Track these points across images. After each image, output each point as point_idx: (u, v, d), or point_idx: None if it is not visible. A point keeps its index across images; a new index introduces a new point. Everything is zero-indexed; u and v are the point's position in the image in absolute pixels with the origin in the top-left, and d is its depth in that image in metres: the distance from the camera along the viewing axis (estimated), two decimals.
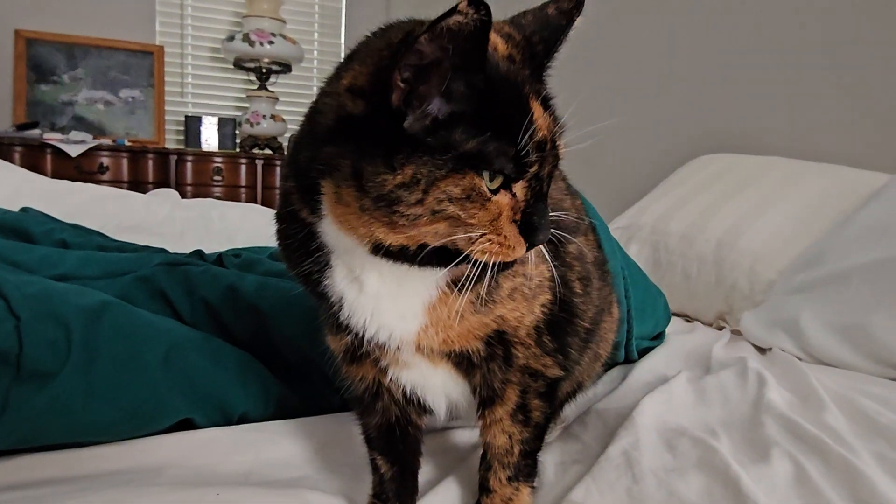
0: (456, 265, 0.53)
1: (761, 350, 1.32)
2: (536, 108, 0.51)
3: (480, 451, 0.70)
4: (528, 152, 0.50)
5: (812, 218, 1.57)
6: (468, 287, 0.56)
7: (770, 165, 1.82)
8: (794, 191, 1.66)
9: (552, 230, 0.67)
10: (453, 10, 0.44)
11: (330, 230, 0.57)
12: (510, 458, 0.67)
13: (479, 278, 0.55)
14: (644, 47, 2.52)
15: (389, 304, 0.59)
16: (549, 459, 0.80)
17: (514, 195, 0.52)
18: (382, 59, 0.50)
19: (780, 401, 0.93)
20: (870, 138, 1.81)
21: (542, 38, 0.56)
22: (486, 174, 0.50)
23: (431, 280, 0.58)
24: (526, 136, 0.50)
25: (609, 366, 1.17)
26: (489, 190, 0.50)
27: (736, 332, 1.47)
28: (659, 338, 1.32)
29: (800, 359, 1.22)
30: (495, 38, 0.52)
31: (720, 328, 1.57)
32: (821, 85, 1.95)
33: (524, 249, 0.53)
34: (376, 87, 0.49)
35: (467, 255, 0.52)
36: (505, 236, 0.52)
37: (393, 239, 0.52)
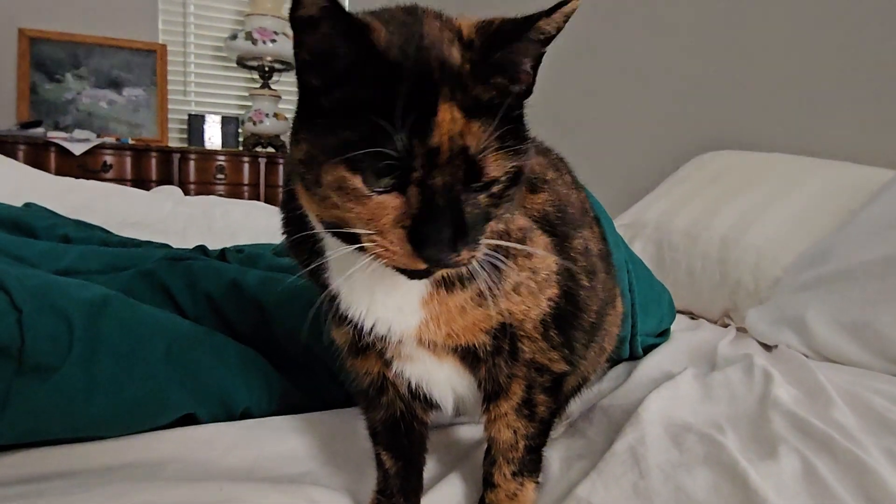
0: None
1: (767, 347, 1.31)
2: (445, 111, 0.46)
3: (484, 447, 0.70)
4: (414, 157, 0.46)
5: (817, 215, 1.56)
6: (462, 283, 0.56)
7: (774, 162, 1.82)
8: (798, 188, 1.65)
9: (558, 225, 0.67)
10: None
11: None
12: (515, 454, 0.66)
13: (472, 276, 0.54)
14: (648, 44, 2.51)
15: (384, 296, 0.59)
16: (554, 455, 0.80)
17: (408, 199, 0.47)
18: None
19: (787, 397, 0.92)
20: (875, 135, 1.80)
21: (504, 33, 0.50)
22: (367, 170, 0.46)
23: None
24: (412, 138, 0.45)
25: (614, 362, 1.17)
26: (368, 187, 0.47)
27: (741, 330, 1.46)
28: (664, 335, 1.31)
29: (806, 356, 1.21)
30: (463, 22, 0.51)
31: (725, 325, 1.56)
32: (825, 81, 1.94)
33: (417, 262, 0.48)
34: (296, 60, 0.51)
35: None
36: (390, 240, 0.48)
37: (325, 217, 0.51)
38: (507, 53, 0.50)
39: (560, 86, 2.86)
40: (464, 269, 0.55)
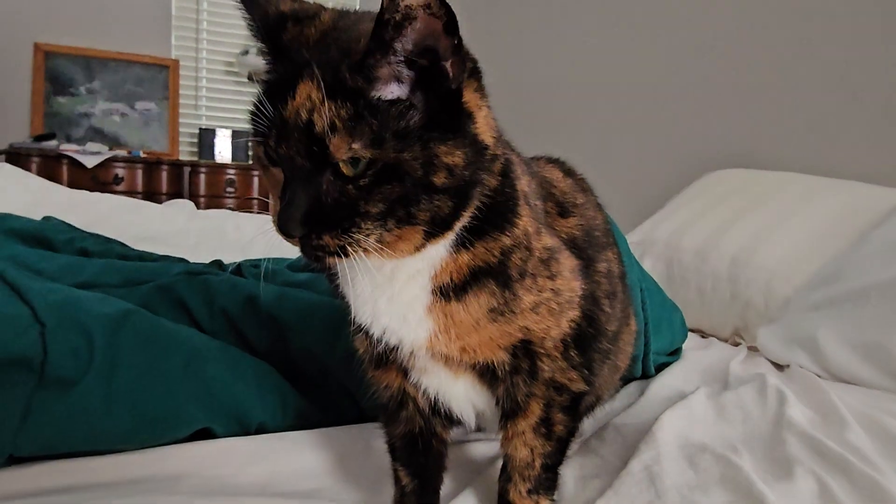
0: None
1: (779, 367, 1.31)
2: (302, 89, 0.49)
3: (499, 463, 0.70)
4: (272, 126, 0.50)
5: (828, 235, 1.56)
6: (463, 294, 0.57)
7: (785, 181, 1.82)
8: (809, 207, 1.66)
9: (585, 249, 0.68)
10: None
11: None
12: (531, 471, 0.66)
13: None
14: (659, 62, 2.53)
15: (387, 304, 0.59)
16: (569, 473, 0.79)
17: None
18: None
19: (802, 418, 0.92)
20: (887, 154, 1.80)
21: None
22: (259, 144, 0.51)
23: (419, 285, 0.58)
24: (271, 111, 0.49)
25: (626, 381, 1.16)
26: (268, 158, 0.52)
27: (752, 349, 1.46)
28: (676, 353, 1.31)
29: (818, 376, 1.21)
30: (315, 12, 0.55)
31: (736, 344, 1.56)
32: (836, 101, 1.95)
33: (280, 233, 0.52)
34: None
35: None
36: (272, 212, 0.53)
37: None
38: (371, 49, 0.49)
39: (571, 103, 2.89)
40: (446, 279, 0.57)
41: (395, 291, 0.58)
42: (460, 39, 0.50)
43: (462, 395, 0.67)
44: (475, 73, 0.55)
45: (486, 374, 0.64)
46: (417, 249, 0.54)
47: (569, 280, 0.63)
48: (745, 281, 1.56)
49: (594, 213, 0.75)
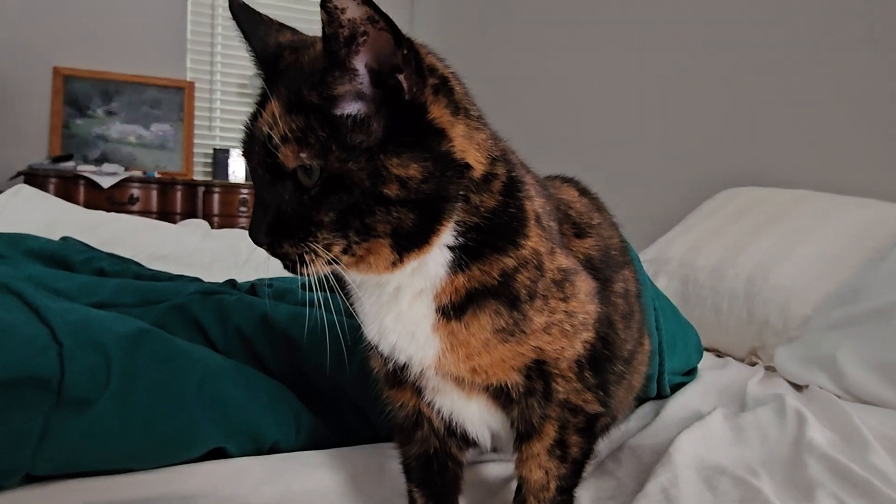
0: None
1: (797, 387, 1.29)
2: (269, 107, 0.53)
3: (513, 485, 0.69)
4: (246, 138, 0.56)
5: (845, 253, 1.54)
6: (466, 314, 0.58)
7: (800, 199, 1.81)
8: (826, 225, 1.64)
9: (602, 269, 0.68)
10: None
11: None
12: (546, 494, 0.65)
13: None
14: (672, 79, 2.54)
15: (393, 323, 0.59)
16: (584, 495, 0.78)
17: None
18: None
19: (823, 440, 0.90)
20: None
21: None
22: None
23: (425, 301, 0.58)
24: (251, 123, 0.55)
25: (641, 400, 1.15)
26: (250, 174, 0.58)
27: (770, 368, 1.44)
28: (691, 373, 1.29)
29: (838, 396, 1.19)
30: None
31: (753, 364, 1.53)
32: (851, 118, 1.94)
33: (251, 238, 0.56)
34: None
35: None
36: None
37: None
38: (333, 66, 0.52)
39: (584, 122, 2.90)
40: (446, 299, 0.57)
41: (401, 309, 0.59)
42: (411, 51, 0.51)
43: (476, 416, 0.67)
44: (443, 90, 0.55)
45: (501, 396, 0.63)
46: (394, 264, 0.54)
47: (584, 303, 0.63)
48: (761, 300, 1.54)
49: (610, 232, 0.75)
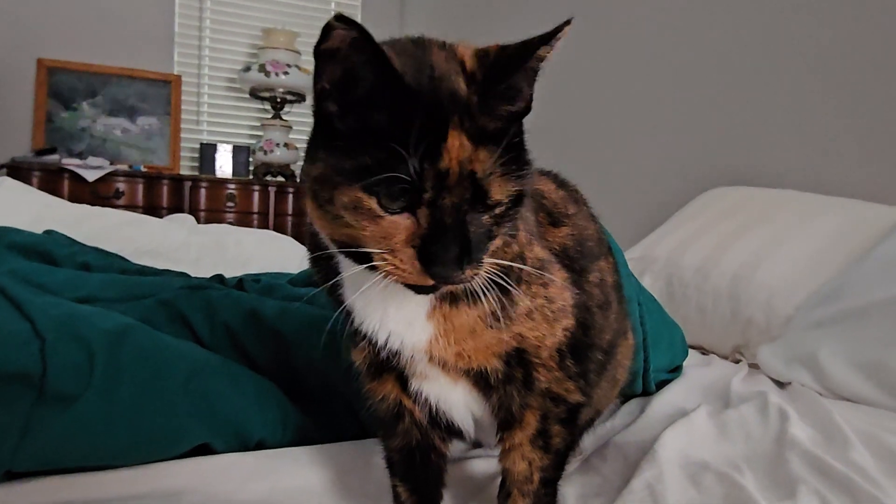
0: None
1: (780, 384, 1.30)
2: (454, 137, 0.49)
3: (497, 481, 0.69)
4: (424, 179, 0.49)
5: (828, 253, 1.56)
6: (466, 299, 0.58)
7: (785, 199, 1.83)
8: (809, 225, 1.66)
9: (577, 259, 0.68)
10: (329, 24, 0.47)
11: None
12: (529, 486, 0.66)
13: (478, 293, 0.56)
14: (658, 80, 2.55)
15: (395, 310, 0.60)
16: (570, 492, 0.79)
17: (417, 220, 0.50)
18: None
19: (804, 437, 0.91)
20: (886, 173, 1.81)
21: (504, 64, 0.53)
22: (382, 192, 0.49)
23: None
24: (423, 162, 0.48)
25: (627, 397, 1.16)
26: (383, 208, 0.50)
27: (753, 366, 1.46)
28: (677, 371, 1.30)
29: (820, 394, 1.21)
30: (466, 52, 0.54)
31: (737, 361, 1.55)
32: (836, 119, 1.96)
33: (425, 279, 0.51)
34: (315, 87, 0.53)
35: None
36: (400, 259, 0.51)
37: (337, 236, 0.54)
38: (510, 83, 0.53)
39: (570, 120, 2.90)
40: (466, 286, 0.57)
41: (405, 296, 0.59)
42: None
43: (461, 402, 0.68)
44: None
45: (481, 381, 0.64)
46: None
47: (561, 290, 0.64)
48: (745, 298, 1.56)
49: (586, 223, 0.76)
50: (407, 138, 0.48)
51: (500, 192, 0.51)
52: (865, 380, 1.19)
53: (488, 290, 0.56)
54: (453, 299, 0.59)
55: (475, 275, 0.53)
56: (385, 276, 0.52)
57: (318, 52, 0.50)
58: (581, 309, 0.66)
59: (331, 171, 0.51)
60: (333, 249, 0.58)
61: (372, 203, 0.49)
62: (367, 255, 0.52)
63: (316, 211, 0.54)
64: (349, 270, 0.58)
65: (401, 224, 0.50)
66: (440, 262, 0.50)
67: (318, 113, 0.54)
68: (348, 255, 0.55)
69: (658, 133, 2.53)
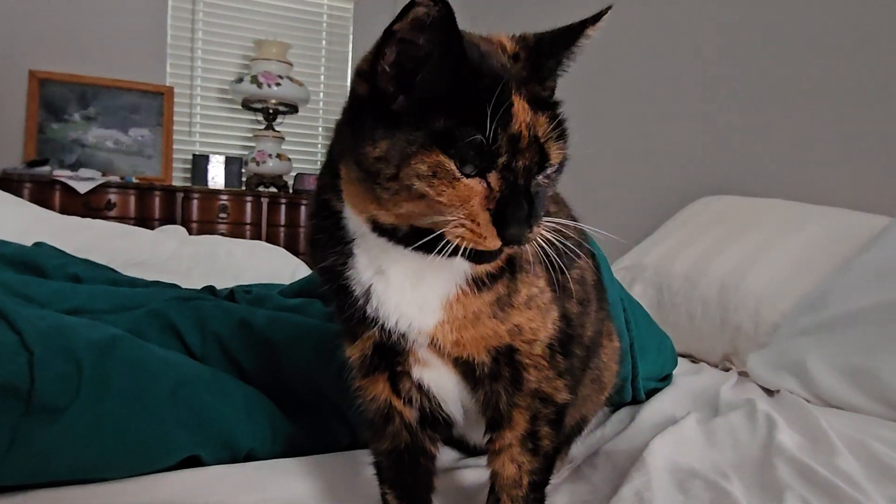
0: (437, 249, 0.54)
1: (769, 392, 1.31)
2: (518, 104, 0.53)
3: (486, 491, 0.69)
4: (499, 142, 0.52)
5: (814, 260, 1.58)
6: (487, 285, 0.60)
7: (771, 208, 1.85)
8: (795, 233, 1.68)
9: (560, 257, 0.69)
10: (413, 2, 0.49)
11: (349, 213, 0.61)
12: (518, 490, 0.66)
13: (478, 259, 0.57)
14: (646, 89, 2.58)
15: (411, 294, 0.61)
16: (560, 500, 0.79)
17: (489, 184, 0.53)
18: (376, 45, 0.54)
19: (791, 444, 0.92)
20: (870, 181, 1.84)
21: (551, 42, 0.58)
22: (455, 158, 0.51)
23: (452, 275, 0.61)
24: (496, 126, 0.51)
25: (616, 406, 1.16)
26: (460, 172, 0.52)
27: (742, 374, 1.47)
28: (666, 379, 1.31)
29: (808, 401, 1.22)
30: (502, 38, 0.59)
31: (726, 369, 1.56)
32: (821, 128, 1.99)
33: (497, 242, 0.53)
34: (373, 70, 0.54)
35: (441, 235, 0.53)
36: (477, 223, 0.53)
37: (384, 216, 0.56)
38: (558, 59, 0.58)
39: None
40: (490, 268, 0.60)
41: (423, 280, 0.61)
42: None
43: (454, 391, 0.68)
44: None
45: (468, 373, 0.66)
46: None
47: (546, 283, 0.67)
48: (734, 306, 1.57)
49: (565, 222, 0.77)
50: (477, 107, 0.51)
51: (556, 155, 0.55)
52: (852, 386, 1.20)
53: (540, 257, 0.59)
54: (479, 283, 0.61)
55: (538, 233, 0.56)
56: (453, 248, 0.53)
57: (391, 31, 0.52)
58: (562, 300, 0.69)
59: (402, 144, 0.52)
60: (370, 231, 0.59)
61: (451, 165, 0.51)
62: (427, 230, 0.54)
63: (370, 193, 0.55)
64: (370, 252, 0.61)
65: (475, 188, 0.52)
66: (515, 223, 0.53)
67: (369, 98, 0.55)
68: (406, 234, 0.57)
69: (647, 144, 2.55)
